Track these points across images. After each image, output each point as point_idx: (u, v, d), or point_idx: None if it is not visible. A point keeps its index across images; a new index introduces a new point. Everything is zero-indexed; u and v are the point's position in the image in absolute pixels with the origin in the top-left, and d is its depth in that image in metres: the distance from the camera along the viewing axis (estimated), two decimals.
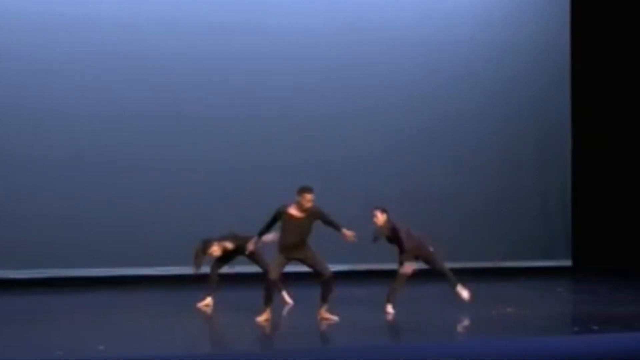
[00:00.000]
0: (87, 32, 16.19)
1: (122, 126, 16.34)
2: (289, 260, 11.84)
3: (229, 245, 13.23)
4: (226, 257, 13.39)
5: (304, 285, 13.19)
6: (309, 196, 11.69)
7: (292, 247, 11.75)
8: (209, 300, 13.27)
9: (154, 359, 9.07)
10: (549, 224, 18.86)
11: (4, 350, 9.68)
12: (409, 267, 12.61)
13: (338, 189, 16.45)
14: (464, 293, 12.96)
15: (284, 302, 13.40)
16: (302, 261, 11.85)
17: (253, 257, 12.97)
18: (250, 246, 12.31)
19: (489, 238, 18.11)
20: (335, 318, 11.84)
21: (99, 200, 16.08)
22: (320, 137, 17.28)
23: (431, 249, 12.91)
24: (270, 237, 12.21)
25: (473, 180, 18.20)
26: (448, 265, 13.15)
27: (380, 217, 12.71)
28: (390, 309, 12.56)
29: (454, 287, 12.99)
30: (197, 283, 13.69)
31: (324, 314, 11.90)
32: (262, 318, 11.74)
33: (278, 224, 11.85)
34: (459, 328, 12.19)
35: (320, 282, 11.82)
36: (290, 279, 13.44)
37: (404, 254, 12.65)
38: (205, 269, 13.35)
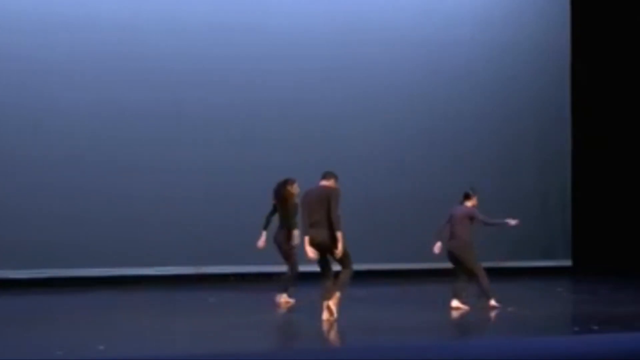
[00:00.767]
0: (87, 32, 16.20)
1: (122, 126, 16.34)
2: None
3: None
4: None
5: (304, 285, 13.19)
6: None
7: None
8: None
9: (154, 359, 9.06)
10: (549, 224, 18.86)
11: (4, 350, 9.67)
12: None
13: None
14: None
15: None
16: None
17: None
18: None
19: (489, 238, 18.07)
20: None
21: (99, 200, 16.08)
22: (320, 137, 17.28)
23: None
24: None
25: (473, 180, 18.14)
26: (448, 265, 13.18)
27: None
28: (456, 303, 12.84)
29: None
30: (197, 283, 13.68)
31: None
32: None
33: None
34: (459, 328, 12.19)
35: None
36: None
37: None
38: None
